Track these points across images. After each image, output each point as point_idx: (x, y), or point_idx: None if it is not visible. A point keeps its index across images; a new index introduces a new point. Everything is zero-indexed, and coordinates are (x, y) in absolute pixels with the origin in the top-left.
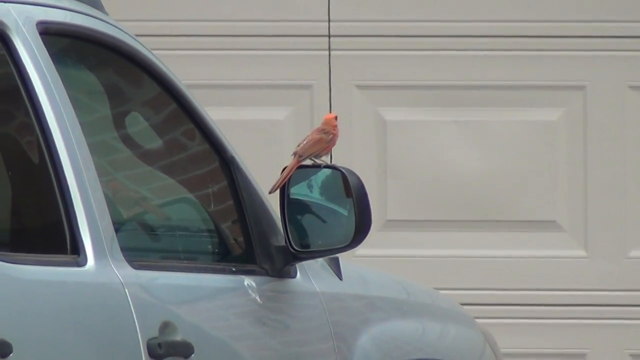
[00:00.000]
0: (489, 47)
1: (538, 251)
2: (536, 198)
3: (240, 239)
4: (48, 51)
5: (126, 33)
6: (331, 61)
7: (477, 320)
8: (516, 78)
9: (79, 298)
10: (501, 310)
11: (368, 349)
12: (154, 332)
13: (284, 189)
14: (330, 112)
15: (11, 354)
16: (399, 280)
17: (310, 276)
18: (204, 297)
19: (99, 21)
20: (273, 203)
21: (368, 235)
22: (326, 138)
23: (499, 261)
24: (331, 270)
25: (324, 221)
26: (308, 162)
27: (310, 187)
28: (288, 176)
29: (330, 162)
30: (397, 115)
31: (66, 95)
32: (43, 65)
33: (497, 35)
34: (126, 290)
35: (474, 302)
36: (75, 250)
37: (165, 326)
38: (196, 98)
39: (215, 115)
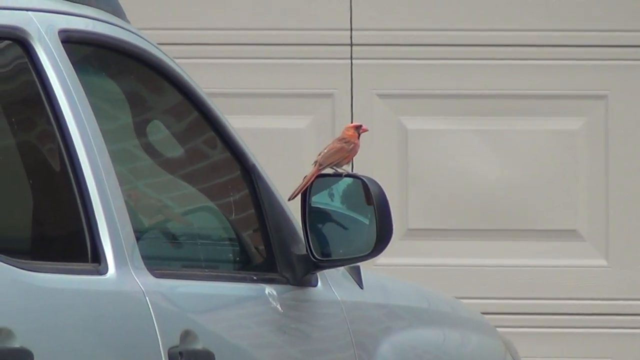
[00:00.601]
0: (511, 56)
1: (559, 260)
2: (557, 207)
3: (261, 247)
4: (70, 59)
5: (148, 41)
6: (353, 70)
7: (498, 329)
8: (538, 87)
9: (100, 306)
10: (522, 320)
11: (388, 357)
12: (175, 341)
13: (305, 197)
14: (352, 121)
15: None
16: (419, 289)
17: (331, 285)
18: (225, 305)
19: (121, 29)
20: (294, 211)
21: (389, 244)
22: (347, 147)
23: (520, 270)
24: (352, 279)
25: (345, 230)
26: (329, 170)
27: (331, 195)
28: (308, 183)
29: (352, 171)
30: (418, 124)
31: (88, 103)
32: (65, 73)
33: (519, 45)
34: (147, 298)
35: (495, 311)
36: (96, 259)
37: (187, 335)
38: (218, 106)
39: (236, 123)
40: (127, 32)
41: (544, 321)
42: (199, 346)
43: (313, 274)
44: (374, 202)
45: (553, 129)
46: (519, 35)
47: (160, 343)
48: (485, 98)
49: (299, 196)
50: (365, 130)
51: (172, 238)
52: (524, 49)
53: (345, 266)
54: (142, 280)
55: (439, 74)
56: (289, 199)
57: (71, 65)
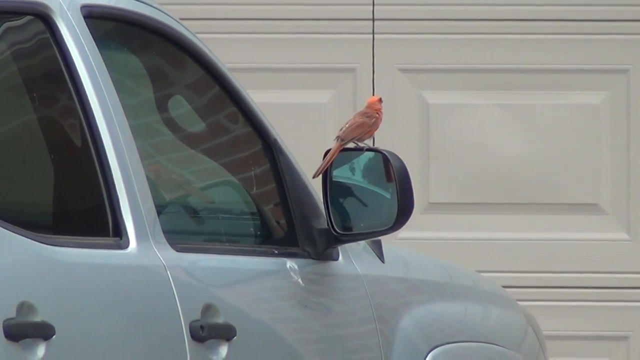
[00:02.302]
0: (533, 31)
1: (581, 234)
2: (579, 181)
3: (283, 221)
4: (92, 34)
5: (170, 16)
6: (375, 44)
7: (519, 302)
8: (559, 61)
9: (121, 281)
10: (543, 293)
11: (410, 331)
12: (196, 315)
13: (326, 171)
14: (374, 94)
15: (54, 336)
16: (441, 262)
17: (353, 259)
18: (246, 279)
19: (143, 4)
20: (315, 186)
21: (410, 218)
22: (369, 122)
23: (541, 244)
24: (373, 253)
25: (366, 204)
26: (351, 145)
27: (352, 170)
28: (331, 160)
29: (373, 145)
30: (440, 98)
31: (109, 78)
32: (87, 49)
33: (541, 19)
34: (168, 272)
35: (516, 284)
36: (117, 233)
37: (208, 309)
38: (239, 81)
39: (258, 98)
40: (149, 7)
41: (566, 294)
42: (220, 320)
43: (334, 247)
44: (395, 176)
45: (575, 103)
46: (541, 9)
47: (181, 317)
48: (506, 72)
49: None
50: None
51: (193, 212)
52: (546, 24)
53: (366, 240)
54: (163, 255)
55: (461, 49)
56: (313, 177)
57: (93, 41)
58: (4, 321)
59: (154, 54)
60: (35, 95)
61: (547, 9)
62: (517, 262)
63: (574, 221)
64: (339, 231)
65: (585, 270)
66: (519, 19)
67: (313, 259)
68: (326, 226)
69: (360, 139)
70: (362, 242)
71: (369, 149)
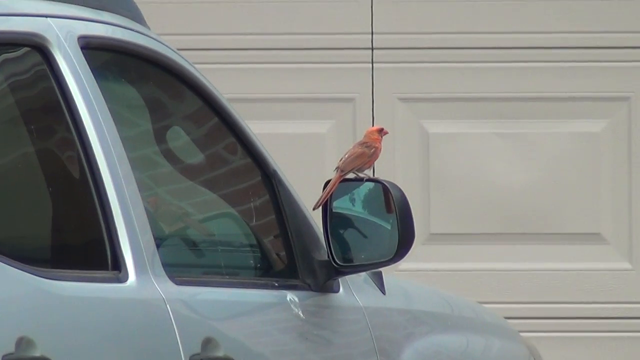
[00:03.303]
0: (533, 58)
1: (582, 264)
2: (580, 210)
3: (283, 253)
4: (89, 65)
5: (167, 47)
6: (374, 74)
7: (521, 334)
8: (559, 89)
9: (121, 314)
10: (546, 324)
11: None
12: (197, 349)
13: (326, 203)
14: (373, 125)
15: None
16: (442, 294)
17: (353, 291)
18: (246, 312)
19: (141, 35)
20: (315, 217)
21: (411, 249)
22: (368, 152)
23: (543, 274)
24: (374, 285)
25: (366, 235)
26: (351, 175)
27: (352, 200)
28: (331, 191)
29: (373, 175)
30: (440, 127)
31: (107, 109)
32: (84, 80)
33: (541, 47)
34: (168, 306)
35: (518, 315)
36: (116, 266)
37: (208, 342)
38: (238, 111)
39: (257, 129)
40: (147, 37)
41: (568, 325)
42: (220, 353)
43: (335, 279)
44: (395, 206)
45: (575, 131)
46: (541, 37)
47: (181, 351)
48: (507, 101)
49: None
50: (386, 133)
51: (193, 245)
52: (546, 51)
53: (367, 272)
54: (163, 288)
55: (461, 77)
56: (314, 209)
57: (90, 72)
58: (4, 356)
59: (152, 85)
60: (32, 127)
61: (547, 37)
62: (519, 293)
63: (575, 251)
64: (339, 263)
65: (587, 301)
66: (518, 47)
67: (313, 291)
68: (326, 258)
69: (360, 170)
70: (363, 274)
71: (369, 180)
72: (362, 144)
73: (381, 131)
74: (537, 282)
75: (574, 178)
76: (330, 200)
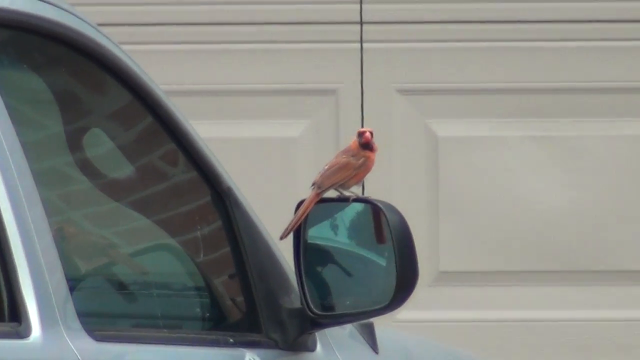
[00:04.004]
0: (576, 36)
1: None
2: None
3: (240, 299)
4: None
5: (85, 21)
6: (363, 57)
7: None
8: (613, 77)
9: None
10: None
11: None
12: None
13: (299, 231)
14: (362, 126)
15: None
16: (456, 353)
17: (335, 349)
18: None
19: (48, 5)
20: (284, 250)
21: (413, 293)
22: (355, 162)
23: (588, 325)
24: (363, 341)
25: (352, 274)
26: (332, 194)
27: (334, 227)
28: (304, 215)
29: (362, 194)
30: (452, 129)
31: (3, 106)
32: None
33: (586, 20)
34: None
35: None
36: (15, 317)
37: None
38: (180, 109)
39: (205, 132)
40: (56, 8)
41: None
42: None
43: (310, 334)
44: (392, 235)
45: (635, 133)
46: (585, 7)
47: None
48: (542, 93)
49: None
50: (368, 140)
51: (119, 287)
52: (594, 27)
53: (355, 323)
54: (78, 346)
55: (480, 61)
56: (281, 238)
57: None
58: None
59: (63, 72)
60: None
61: (594, 6)
62: (555, 350)
63: (633, 294)
64: (316, 312)
65: None
66: (556, 21)
67: (281, 349)
68: (299, 305)
69: (345, 186)
70: (348, 327)
71: (357, 199)
72: (347, 151)
73: (362, 135)
74: (579, 335)
75: (631, 196)
76: (304, 227)
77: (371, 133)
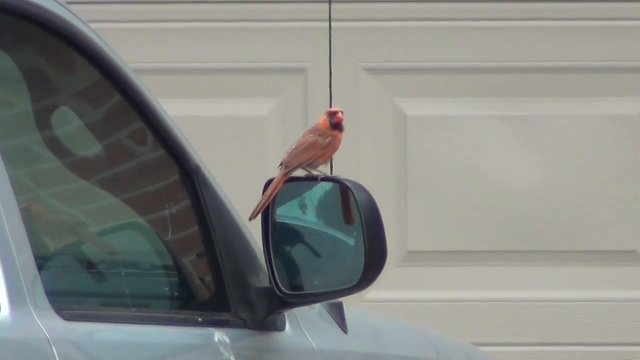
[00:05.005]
0: (544, 15)
1: (616, 292)
2: (613, 221)
3: (209, 278)
4: None
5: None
6: (332, 35)
7: None
8: (585, 57)
9: None
10: None
11: None
12: None
13: (267, 211)
14: (331, 105)
15: None
16: (424, 332)
17: (304, 328)
18: (159, 357)
19: None
20: (253, 229)
21: (382, 272)
22: (323, 141)
23: (562, 305)
24: (332, 320)
25: (321, 254)
26: (300, 173)
27: (302, 207)
28: (273, 195)
29: (330, 173)
30: (421, 108)
31: None
32: None
33: None
34: (54, 348)
35: None
36: None
37: None
38: (148, 87)
39: (173, 110)
40: None
41: None
42: None
43: (279, 313)
44: (360, 215)
45: (607, 113)
46: None
47: None
48: (513, 72)
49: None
50: (339, 120)
51: (87, 266)
52: (566, 5)
53: (323, 303)
54: (47, 324)
55: (450, 40)
56: (250, 218)
57: None
58: None
59: (32, 50)
60: None
61: None
62: (529, 331)
63: (606, 274)
64: (285, 291)
65: (623, 342)
66: (524, 0)
67: (250, 328)
68: (268, 284)
69: (313, 165)
70: (317, 306)
71: (325, 178)
72: (315, 130)
73: (334, 115)
74: (553, 315)
75: (606, 176)
76: (273, 206)
77: (342, 113)
